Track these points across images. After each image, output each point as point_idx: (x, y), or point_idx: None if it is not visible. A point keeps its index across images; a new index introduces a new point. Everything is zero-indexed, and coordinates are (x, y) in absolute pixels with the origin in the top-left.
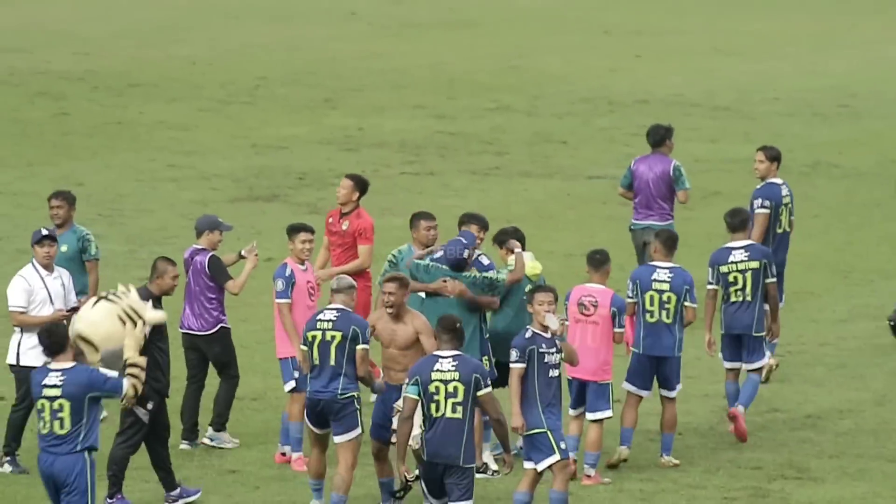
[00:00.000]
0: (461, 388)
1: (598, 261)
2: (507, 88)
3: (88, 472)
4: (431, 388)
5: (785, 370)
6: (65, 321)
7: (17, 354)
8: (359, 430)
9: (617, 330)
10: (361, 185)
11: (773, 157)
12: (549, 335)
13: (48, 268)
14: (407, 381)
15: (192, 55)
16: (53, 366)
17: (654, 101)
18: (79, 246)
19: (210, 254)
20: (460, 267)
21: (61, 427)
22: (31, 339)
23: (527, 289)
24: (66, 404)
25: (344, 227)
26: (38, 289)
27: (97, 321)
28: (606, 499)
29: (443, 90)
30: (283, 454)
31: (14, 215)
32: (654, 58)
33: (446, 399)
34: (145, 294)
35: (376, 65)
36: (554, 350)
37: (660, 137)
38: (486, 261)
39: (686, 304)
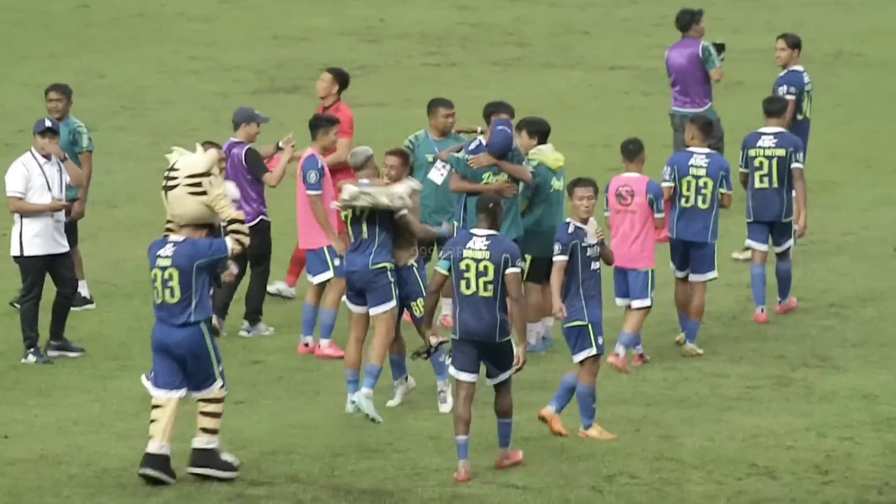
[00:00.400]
0: (492, 267)
1: (632, 150)
2: None
3: (207, 338)
4: (462, 266)
5: (808, 259)
6: (63, 211)
7: (21, 245)
8: (393, 303)
9: (657, 216)
10: (341, 79)
11: (794, 44)
12: (592, 239)
13: (47, 157)
14: (440, 255)
15: None
16: (171, 238)
17: None
18: (70, 138)
19: (247, 146)
20: (505, 154)
21: (172, 296)
22: (33, 228)
23: (552, 182)
24: (176, 274)
25: None
26: (36, 175)
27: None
28: (629, 388)
29: None
30: (306, 345)
31: (36, 107)
32: None
33: (477, 277)
34: None
35: None
36: (595, 244)
37: (686, 22)
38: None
39: (722, 190)
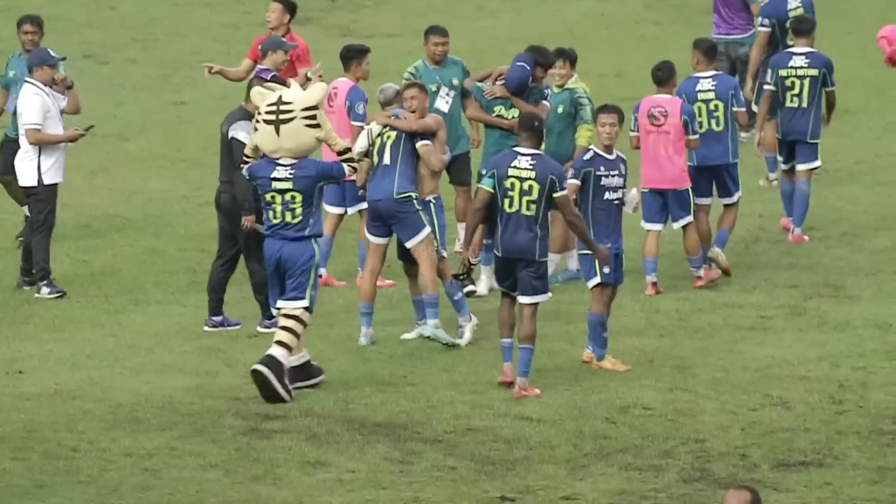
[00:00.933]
0: (536, 186)
1: (662, 77)
2: None
3: (317, 254)
4: (507, 184)
5: (820, 188)
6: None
7: (39, 174)
8: (427, 229)
9: (691, 137)
10: (291, 8)
11: None
12: (629, 209)
13: (50, 87)
14: (483, 172)
15: None
16: (282, 161)
17: None
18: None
19: (272, 74)
20: (521, 91)
21: (293, 217)
22: (51, 158)
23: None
24: (299, 196)
25: None
26: (51, 105)
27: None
28: (642, 318)
29: None
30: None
31: (45, 42)
32: None
33: (521, 196)
34: (241, 113)
35: None
36: (615, 174)
37: None
38: (548, 91)
39: (734, 108)
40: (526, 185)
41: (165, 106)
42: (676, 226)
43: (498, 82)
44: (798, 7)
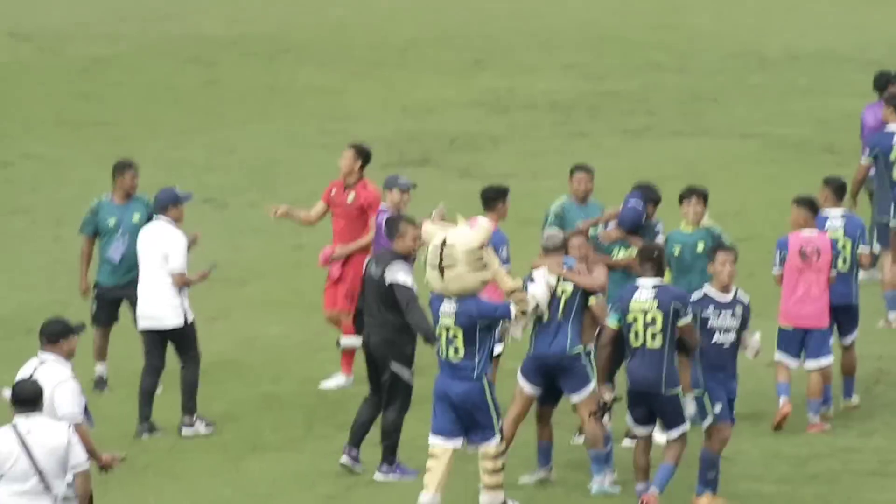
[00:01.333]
0: (660, 316)
1: (813, 207)
2: (657, 46)
3: (487, 392)
4: (630, 318)
5: None
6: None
7: (185, 313)
8: (593, 383)
9: (832, 274)
10: (364, 155)
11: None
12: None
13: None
14: (610, 308)
15: (342, 17)
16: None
17: (806, 56)
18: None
19: (389, 215)
20: (635, 229)
21: (455, 354)
22: (186, 297)
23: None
24: (460, 332)
25: (349, 200)
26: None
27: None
28: (760, 463)
29: (593, 49)
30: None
31: (167, 184)
32: (806, 12)
33: (644, 328)
34: (392, 256)
35: (526, 24)
36: (729, 314)
37: (883, 83)
38: (659, 227)
39: (859, 250)
40: (649, 317)
41: (284, 249)
42: (819, 364)
43: (611, 225)
44: None
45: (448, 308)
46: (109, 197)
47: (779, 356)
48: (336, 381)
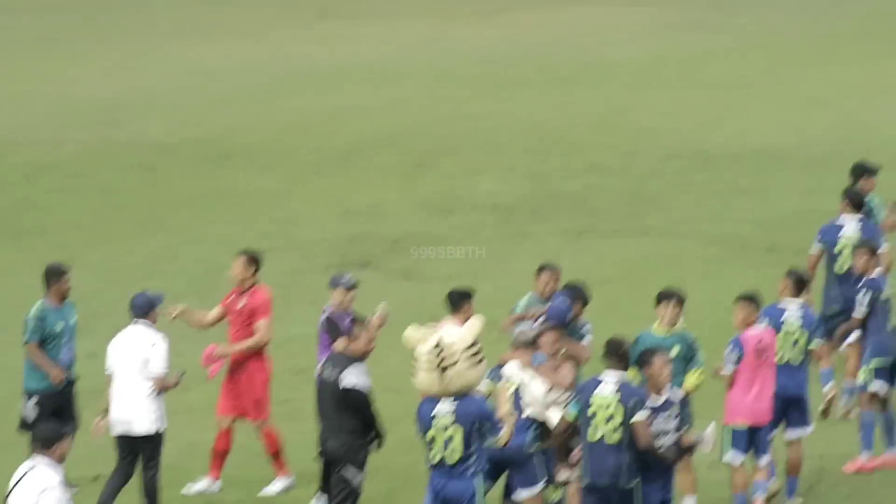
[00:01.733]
0: (620, 413)
1: (758, 303)
2: (599, 146)
3: (480, 493)
4: (590, 412)
5: None
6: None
7: (158, 422)
8: (541, 485)
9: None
10: (255, 261)
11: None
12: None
13: None
14: (569, 399)
15: (285, 121)
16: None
17: (747, 153)
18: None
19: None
20: (563, 324)
21: (453, 454)
22: (161, 403)
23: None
24: (459, 432)
25: (240, 305)
26: None
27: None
28: None
29: (536, 150)
30: None
31: (107, 291)
32: (746, 110)
33: (605, 422)
34: (347, 360)
35: (469, 126)
36: (665, 416)
37: (858, 174)
38: (587, 328)
39: (813, 345)
40: (609, 412)
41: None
42: (765, 462)
43: (537, 323)
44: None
45: (445, 408)
46: (49, 302)
47: (733, 456)
48: (202, 484)
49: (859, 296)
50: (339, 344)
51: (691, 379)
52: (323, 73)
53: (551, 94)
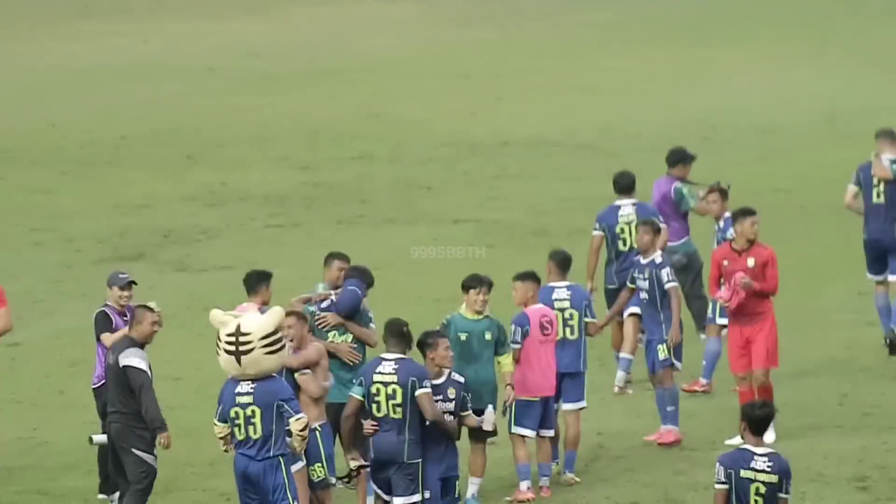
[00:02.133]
0: (399, 390)
1: (538, 280)
2: (369, 136)
3: (284, 470)
4: (373, 390)
5: None
6: None
7: None
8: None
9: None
10: None
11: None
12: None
13: None
14: (354, 380)
15: (52, 118)
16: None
17: (516, 142)
18: None
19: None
20: (352, 315)
21: (255, 432)
22: None
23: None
24: (258, 411)
25: None
26: None
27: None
28: None
29: (305, 141)
30: None
31: None
32: (515, 99)
33: (387, 400)
34: (129, 342)
35: (237, 119)
36: (441, 399)
37: (675, 160)
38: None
39: (587, 319)
40: (390, 390)
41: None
42: (548, 433)
43: (323, 306)
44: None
45: (245, 388)
46: None
47: (520, 430)
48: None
49: (663, 271)
50: (108, 338)
51: (507, 361)
52: (88, 71)
53: (319, 86)
